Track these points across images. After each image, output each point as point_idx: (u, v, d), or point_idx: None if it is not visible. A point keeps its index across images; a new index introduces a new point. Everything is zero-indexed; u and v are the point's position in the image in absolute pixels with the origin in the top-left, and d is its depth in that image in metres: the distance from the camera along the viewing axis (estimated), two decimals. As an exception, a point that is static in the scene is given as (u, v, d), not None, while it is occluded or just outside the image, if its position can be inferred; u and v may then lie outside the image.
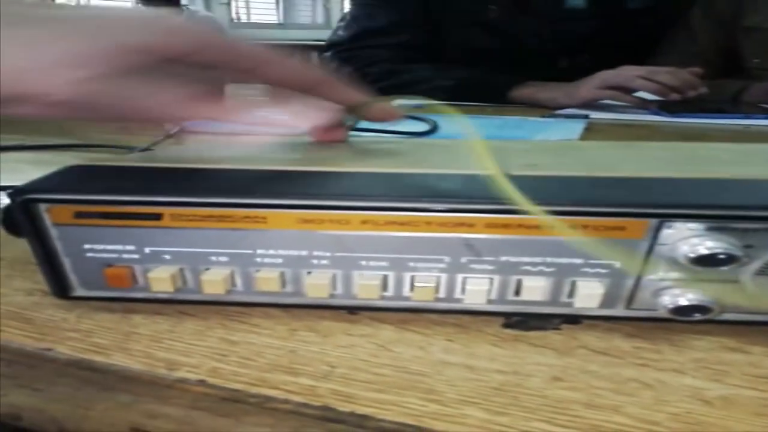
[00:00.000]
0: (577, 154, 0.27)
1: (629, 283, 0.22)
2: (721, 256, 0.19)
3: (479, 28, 1.00)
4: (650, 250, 0.21)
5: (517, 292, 0.22)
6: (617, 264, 0.21)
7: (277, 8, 7.79)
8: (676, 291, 0.21)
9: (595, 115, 0.71)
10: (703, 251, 0.19)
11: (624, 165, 0.25)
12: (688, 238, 0.20)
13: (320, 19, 7.82)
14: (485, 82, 0.89)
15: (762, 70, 0.88)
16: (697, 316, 0.21)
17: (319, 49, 1.15)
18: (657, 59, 0.83)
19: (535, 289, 0.22)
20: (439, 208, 0.20)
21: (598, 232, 0.20)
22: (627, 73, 0.76)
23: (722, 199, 0.20)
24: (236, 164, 0.23)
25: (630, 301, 0.22)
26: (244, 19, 7.46)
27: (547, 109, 0.78)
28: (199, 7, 5.86)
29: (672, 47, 0.97)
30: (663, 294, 0.21)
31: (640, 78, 0.75)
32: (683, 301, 0.21)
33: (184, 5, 4.69)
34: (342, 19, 1.10)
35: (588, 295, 0.21)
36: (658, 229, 0.20)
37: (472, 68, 0.93)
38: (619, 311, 0.23)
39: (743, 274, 0.21)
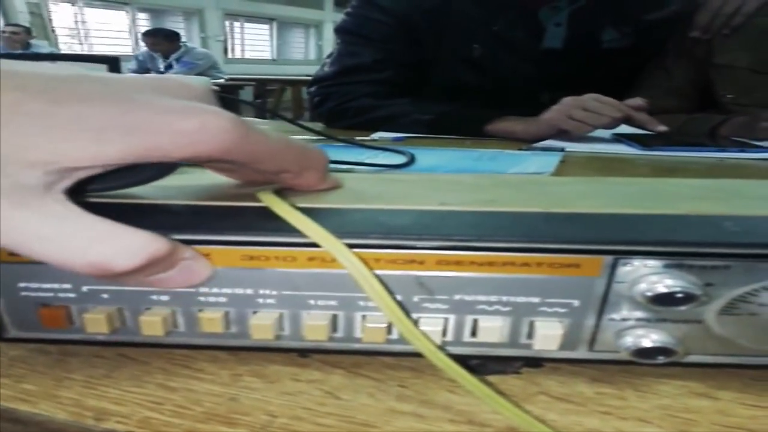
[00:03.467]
0: (538, 189, 0.26)
1: (590, 323, 0.21)
2: (679, 295, 0.18)
3: (463, 65, 1.02)
4: (608, 289, 0.20)
5: (474, 333, 0.21)
6: (576, 303, 0.20)
7: (271, 45, 7.99)
8: (639, 332, 0.20)
9: (571, 147, 0.71)
10: (661, 289, 0.18)
11: (584, 201, 0.24)
12: (646, 276, 0.19)
13: (313, 55, 8.03)
14: (462, 116, 0.90)
15: (736, 105, 0.89)
16: (661, 359, 0.20)
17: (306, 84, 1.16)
18: (633, 95, 0.84)
19: (491, 330, 0.21)
20: (386, 244, 0.19)
21: (552, 269, 0.19)
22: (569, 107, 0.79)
23: (680, 235, 0.19)
24: (179, 199, 0.22)
25: (592, 343, 0.21)
26: (238, 55, 7.65)
27: (524, 142, 0.79)
28: (195, 44, 6.02)
29: (648, 83, 0.99)
30: (625, 335, 0.20)
31: (569, 119, 0.78)
32: (646, 343, 0.20)
33: (183, 42, 4.81)
34: (329, 56, 1.12)
35: (547, 336, 0.20)
36: (614, 267, 0.19)
37: (450, 102, 0.95)
38: (582, 353, 0.21)
39: (707, 314, 0.20)
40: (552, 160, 0.60)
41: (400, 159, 0.60)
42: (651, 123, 0.77)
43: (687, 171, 0.58)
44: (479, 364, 0.22)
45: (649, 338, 0.20)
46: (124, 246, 0.17)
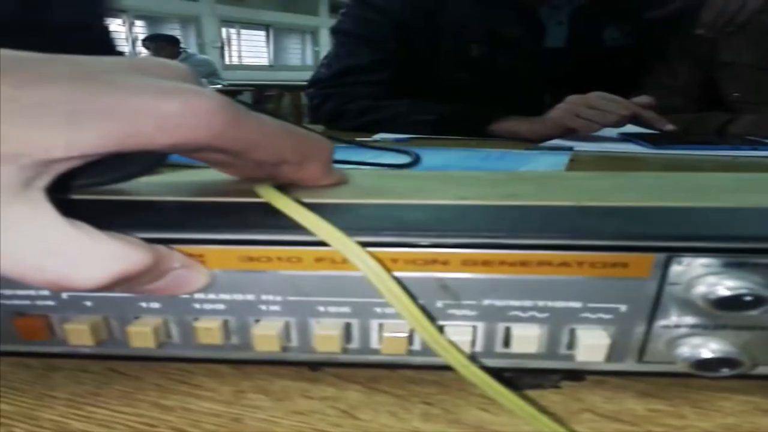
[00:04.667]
0: (562, 183, 0.24)
1: (640, 331, 0.18)
2: (747, 298, 0.16)
3: (461, 65, 1.01)
4: (660, 292, 0.17)
5: (507, 343, 0.19)
6: (623, 308, 0.18)
7: (268, 51, 7.98)
8: (697, 341, 0.18)
9: (580, 147, 0.69)
10: (724, 292, 0.16)
11: (618, 194, 0.22)
12: (704, 276, 0.17)
13: (310, 60, 8.03)
14: (465, 115, 0.88)
15: (743, 103, 0.88)
16: (726, 371, 0.18)
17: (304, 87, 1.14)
18: (636, 94, 0.83)
19: (526, 340, 0.18)
20: (404, 242, 0.17)
21: (595, 270, 0.17)
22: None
23: (739, 230, 0.17)
24: (170, 195, 0.20)
25: (642, 353, 0.19)
26: (236, 61, 7.63)
27: (530, 142, 0.77)
28: (194, 50, 6.00)
29: (653, 82, 0.98)
30: (681, 344, 0.18)
31: (576, 117, 0.76)
32: (706, 353, 0.17)
33: (182, 48, 4.79)
34: (326, 57, 1.10)
35: (591, 347, 0.18)
36: (666, 266, 0.17)
37: (451, 103, 0.93)
38: (630, 365, 0.19)
39: (772, 319, 0.18)
40: (561, 160, 0.58)
41: (404, 159, 0.58)
42: (659, 121, 0.75)
43: (702, 169, 0.56)
44: (512, 377, 0.20)
45: (709, 347, 0.18)
46: (89, 260, 0.15)
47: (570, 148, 0.67)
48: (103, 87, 0.14)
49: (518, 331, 0.18)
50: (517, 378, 0.20)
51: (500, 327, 0.18)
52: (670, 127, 0.74)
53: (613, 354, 0.18)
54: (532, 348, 0.18)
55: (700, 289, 0.17)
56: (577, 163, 0.59)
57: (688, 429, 0.17)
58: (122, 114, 0.14)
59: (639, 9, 0.98)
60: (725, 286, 0.16)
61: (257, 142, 0.18)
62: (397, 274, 0.18)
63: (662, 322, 0.18)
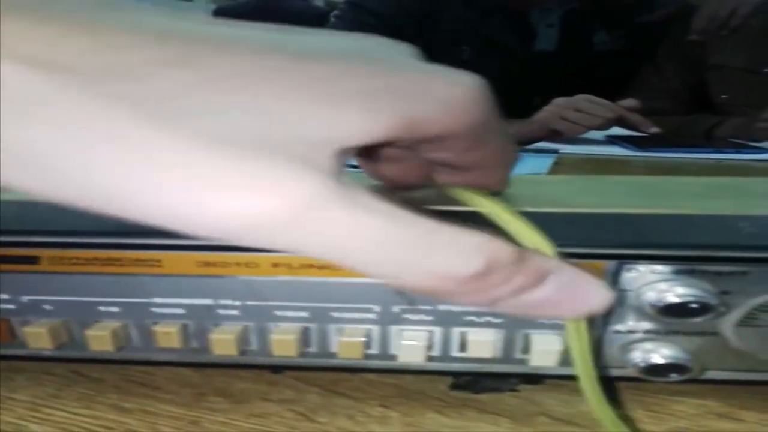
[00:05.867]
0: (527, 188, 0.24)
1: (593, 336, 0.18)
2: (694, 305, 0.16)
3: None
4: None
5: (463, 348, 0.19)
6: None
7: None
8: (648, 346, 0.18)
9: (565, 149, 0.69)
10: (672, 299, 0.16)
11: (582, 198, 0.22)
12: (654, 284, 0.17)
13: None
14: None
15: (731, 106, 0.88)
16: (674, 377, 0.18)
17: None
18: (626, 97, 0.83)
19: (482, 344, 0.18)
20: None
21: (550, 276, 0.17)
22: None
23: (691, 238, 0.17)
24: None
25: (597, 358, 0.19)
26: None
27: (516, 144, 0.77)
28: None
29: (641, 85, 0.98)
30: (633, 350, 0.18)
31: (561, 119, 0.76)
32: (656, 359, 0.18)
33: None
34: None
35: (544, 352, 0.18)
36: (617, 273, 0.17)
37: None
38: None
39: (723, 325, 0.18)
40: (546, 162, 0.58)
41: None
42: (644, 124, 0.76)
43: (684, 172, 0.56)
44: (471, 381, 0.20)
45: (660, 353, 0.18)
46: (459, 248, 0.12)
47: (555, 151, 0.67)
48: (389, 65, 0.12)
49: (474, 336, 0.18)
50: (475, 381, 0.20)
51: (456, 332, 0.19)
52: (655, 129, 0.75)
53: (567, 358, 0.19)
54: (487, 353, 0.18)
55: (650, 295, 0.17)
56: (561, 165, 0.59)
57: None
58: (412, 96, 0.12)
59: (630, 13, 0.99)
60: (674, 293, 0.17)
61: (493, 138, 0.15)
62: (351, 280, 0.18)
63: (615, 328, 0.18)
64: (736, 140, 0.74)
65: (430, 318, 0.18)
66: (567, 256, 0.17)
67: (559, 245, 0.17)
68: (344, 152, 0.11)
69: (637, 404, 0.19)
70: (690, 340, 0.18)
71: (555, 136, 0.78)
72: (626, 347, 0.18)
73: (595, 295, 0.14)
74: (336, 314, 0.18)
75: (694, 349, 0.18)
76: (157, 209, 0.10)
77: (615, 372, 0.19)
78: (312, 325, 0.19)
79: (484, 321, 0.18)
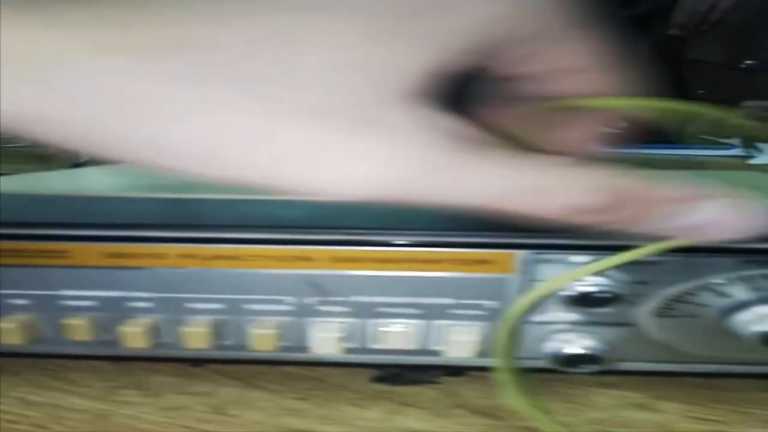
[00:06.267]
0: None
1: (513, 326, 0.18)
2: (601, 295, 0.16)
3: None
4: (526, 288, 0.17)
5: (380, 340, 0.18)
6: (492, 304, 0.18)
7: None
8: (565, 337, 0.18)
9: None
10: (580, 288, 0.16)
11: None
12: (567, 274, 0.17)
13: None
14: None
15: (707, 101, 0.88)
16: (587, 368, 0.18)
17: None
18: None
19: (398, 336, 0.18)
20: (271, 239, 0.17)
21: (462, 266, 0.17)
22: None
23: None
24: (42, 190, 0.20)
25: (515, 349, 0.19)
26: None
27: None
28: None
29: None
30: (548, 341, 0.18)
31: None
32: (568, 349, 0.17)
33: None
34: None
35: (461, 343, 0.18)
36: (530, 263, 0.17)
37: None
38: (506, 360, 0.19)
39: (640, 316, 0.18)
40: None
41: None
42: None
43: (648, 168, 0.56)
44: (394, 374, 0.20)
45: (575, 344, 0.18)
46: (584, 185, 0.12)
47: None
48: None
49: (389, 327, 0.18)
50: (397, 374, 0.20)
51: (372, 324, 0.18)
52: (623, 125, 0.74)
53: (487, 349, 0.18)
54: (404, 344, 0.18)
55: (572, 289, 0.17)
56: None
57: (518, 423, 0.17)
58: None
59: (610, 8, 0.99)
60: (583, 283, 0.16)
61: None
62: (265, 271, 0.17)
63: (533, 319, 0.18)
64: (707, 137, 0.74)
65: (345, 309, 0.18)
66: (479, 247, 0.17)
67: (470, 235, 0.17)
68: (432, 86, 0.11)
69: (558, 396, 0.19)
70: (606, 331, 0.18)
71: None
72: (543, 338, 0.18)
73: (753, 217, 0.13)
74: (249, 306, 0.18)
75: (611, 340, 0.18)
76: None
77: (533, 364, 0.19)
78: (226, 318, 0.18)
79: (400, 312, 0.18)
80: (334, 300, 0.18)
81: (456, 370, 0.20)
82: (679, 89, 0.96)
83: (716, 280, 0.17)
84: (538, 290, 0.16)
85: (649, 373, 0.19)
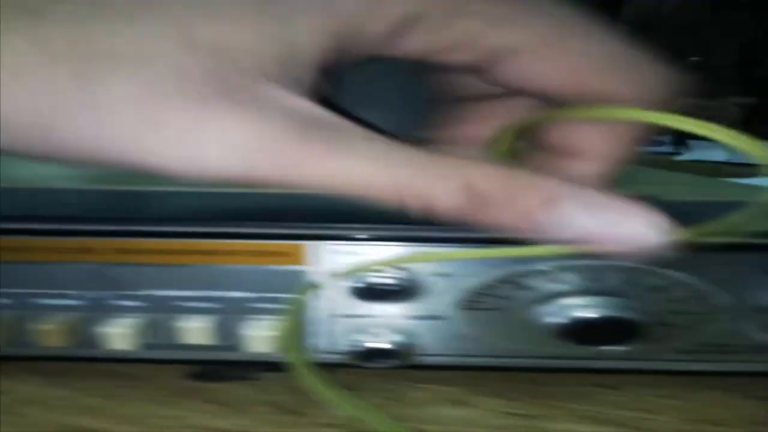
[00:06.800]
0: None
1: (314, 321, 0.17)
2: (388, 288, 0.16)
3: None
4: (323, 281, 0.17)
5: (179, 336, 0.18)
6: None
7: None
8: (372, 331, 0.17)
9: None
10: (367, 281, 0.16)
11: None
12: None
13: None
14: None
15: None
16: (387, 362, 0.17)
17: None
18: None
19: (197, 331, 0.17)
20: (54, 230, 0.16)
21: (252, 258, 0.16)
22: None
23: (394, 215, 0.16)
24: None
25: (305, 342, 0.18)
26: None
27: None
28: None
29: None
30: (350, 335, 0.17)
31: None
32: (368, 344, 0.17)
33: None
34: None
35: (258, 338, 0.17)
36: (322, 254, 0.16)
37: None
38: (318, 356, 0.18)
39: (447, 309, 0.17)
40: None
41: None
42: None
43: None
44: (210, 370, 0.19)
45: (378, 338, 0.17)
46: (437, 173, 0.11)
47: None
48: None
49: (187, 323, 0.17)
50: (215, 371, 0.19)
51: (169, 319, 0.17)
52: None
53: (294, 345, 0.18)
54: (204, 340, 0.17)
55: (350, 278, 0.16)
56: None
57: (321, 419, 0.17)
58: None
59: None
60: (376, 276, 0.16)
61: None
62: (51, 264, 0.16)
63: (336, 312, 0.17)
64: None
65: (137, 304, 0.17)
66: (270, 238, 0.16)
67: (261, 225, 0.16)
68: (301, 73, 0.10)
69: (377, 392, 0.18)
70: (415, 325, 0.17)
71: None
72: (347, 333, 0.17)
73: (636, 225, 0.11)
74: (37, 301, 0.17)
75: (417, 334, 0.17)
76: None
77: (336, 359, 0.18)
78: (12, 312, 0.17)
79: (196, 307, 0.17)
80: (126, 294, 0.17)
81: (278, 366, 0.19)
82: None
83: (518, 272, 0.16)
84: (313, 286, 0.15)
85: (470, 368, 0.19)
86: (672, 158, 0.62)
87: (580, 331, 0.16)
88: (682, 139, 0.67)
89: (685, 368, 0.18)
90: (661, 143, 0.68)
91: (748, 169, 0.58)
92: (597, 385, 0.19)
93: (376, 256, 0.16)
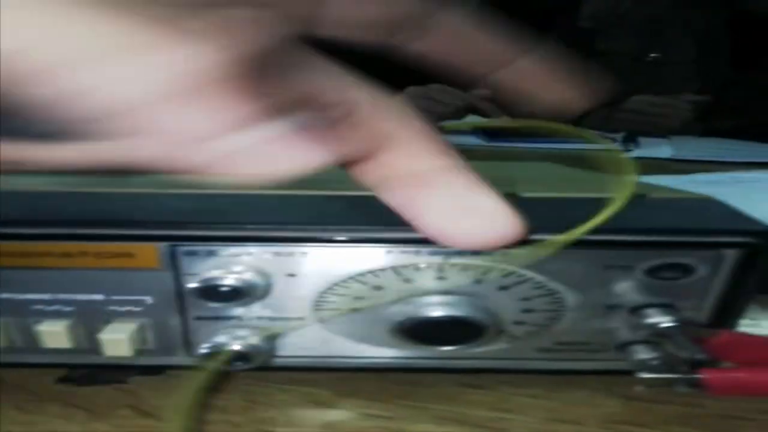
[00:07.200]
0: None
1: (176, 323, 0.17)
2: (226, 288, 0.15)
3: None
4: (179, 283, 0.17)
5: (38, 339, 0.17)
6: (148, 300, 0.17)
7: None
8: (236, 333, 0.17)
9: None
10: (206, 282, 0.16)
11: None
12: (214, 269, 0.16)
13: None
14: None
15: (614, 93, 0.90)
16: (243, 365, 0.17)
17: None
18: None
19: (55, 335, 0.17)
20: None
21: (108, 260, 0.16)
22: None
23: (253, 216, 0.16)
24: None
25: (189, 347, 0.18)
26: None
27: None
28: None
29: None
30: (212, 338, 0.17)
31: None
32: (225, 347, 0.17)
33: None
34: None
35: (113, 341, 0.17)
36: (175, 256, 0.16)
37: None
38: (182, 359, 0.18)
39: (300, 310, 0.17)
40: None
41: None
42: (494, 112, 0.76)
43: (525, 161, 0.56)
44: (82, 374, 0.19)
45: (234, 341, 0.17)
46: None
47: None
48: None
49: (44, 327, 0.17)
50: (90, 374, 0.19)
51: (27, 322, 0.17)
52: (504, 118, 0.75)
53: (159, 348, 0.18)
54: (62, 343, 0.17)
55: (196, 280, 0.16)
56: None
57: (219, 424, 0.17)
58: None
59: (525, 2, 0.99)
60: (209, 276, 0.16)
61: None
62: None
63: (197, 314, 0.17)
64: (595, 131, 0.75)
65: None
66: (115, 240, 0.16)
67: (112, 226, 0.16)
68: None
69: (243, 394, 0.18)
70: (268, 325, 0.17)
71: None
72: (211, 336, 0.17)
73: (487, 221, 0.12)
74: None
75: (263, 336, 0.17)
76: None
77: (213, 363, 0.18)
78: None
79: (54, 310, 0.17)
80: (-23, 297, 0.17)
81: (152, 370, 0.19)
82: (586, 80, 0.98)
83: (366, 271, 0.16)
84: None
85: (338, 369, 0.19)
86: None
87: (425, 331, 0.16)
88: (632, 137, 0.68)
89: (548, 367, 0.19)
90: (613, 140, 0.69)
91: (692, 165, 0.59)
92: (465, 385, 0.19)
93: (234, 257, 0.16)
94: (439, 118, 0.75)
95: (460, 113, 0.76)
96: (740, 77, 0.84)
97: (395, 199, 0.13)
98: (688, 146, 0.63)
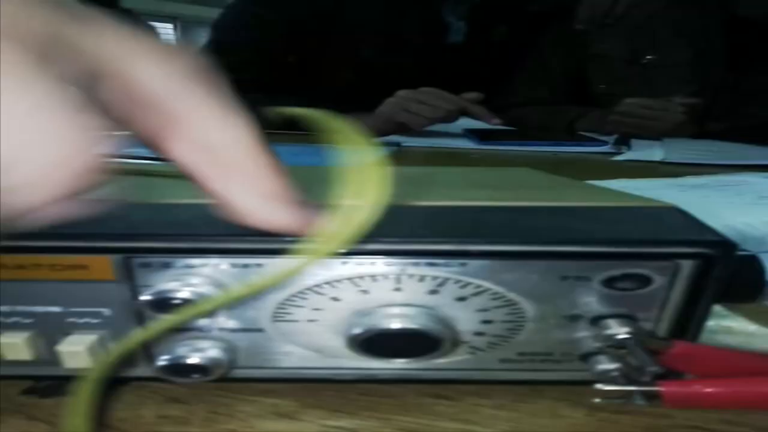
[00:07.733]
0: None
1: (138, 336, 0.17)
2: (177, 301, 0.15)
3: (350, 67, 0.98)
4: (136, 296, 0.16)
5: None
6: (107, 312, 0.17)
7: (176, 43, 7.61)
8: (195, 345, 0.17)
9: (409, 143, 0.69)
10: (150, 296, 0.15)
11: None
12: (170, 281, 0.16)
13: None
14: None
15: (608, 96, 0.89)
16: (202, 377, 0.17)
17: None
18: (511, 86, 0.84)
19: (14, 347, 0.17)
20: None
21: (57, 272, 0.16)
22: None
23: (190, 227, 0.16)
24: None
25: (152, 359, 0.18)
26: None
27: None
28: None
29: (524, 74, 0.99)
30: (171, 350, 0.17)
31: (404, 111, 0.76)
32: (182, 359, 0.17)
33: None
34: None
35: (72, 353, 0.17)
36: (130, 268, 0.16)
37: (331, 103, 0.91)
38: (146, 370, 0.18)
39: (263, 321, 0.17)
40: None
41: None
42: (486, 116, 0.76)
43: (518, 164, 0.56)
44: (50, 385, 0.19)
45: (192, 353, 0.17)
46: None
47: (398, 144, 0.66)
48: None
49: (3, 339, 0.17)
50: (56, 386, 0.19)
51: (-14, 335, 0.17)
52: (496, 121, 0.75)
53: (121, 360, 0.18)
54: (20, 355, 0.17)
55: (150, 293, 0.16)
56: (399, 159, 0.59)
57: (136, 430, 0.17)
58: None
59: (523, 2, 0.99)
60: (161, 288, 0.16)
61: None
62: None
63: (144, 326, 0.17)
64: (587, 134, 0.75)
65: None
66: (68, 252, 0.16)
67: (64, 238, 0.16)
68: None
69: (210, 405, 0.18)
70: (238, 338, 0.17)
71: (402, 129, 0.78)
72: (171, 348, 0.17)
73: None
74: None
75: (243, 347, 0.17)
76: None
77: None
78: None
79: (13, 322, 0.17)
80: (-67, 310, 0.17)
81: (124, 381, 0.19)
82: (581, 83, 0.98)
83: (322, 281, 0.16)
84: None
85: (304, 381, 0.19)
86: (610, 158, 0.62)
87: (380, 343, 0.16)
88: (624, 139, 0.68)
89: (513, 377, 0.18)
90: (604, 143, 0.69)
91: (682, 168, 0.58)
92: (430, 396, 0.19)
93: (190, 268, 0.16)
94: (431, 122, 0.75)
95: (451, 116, 0.76)
96: (733, 80, 0.84)
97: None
98: (679, 149, 0.63)
